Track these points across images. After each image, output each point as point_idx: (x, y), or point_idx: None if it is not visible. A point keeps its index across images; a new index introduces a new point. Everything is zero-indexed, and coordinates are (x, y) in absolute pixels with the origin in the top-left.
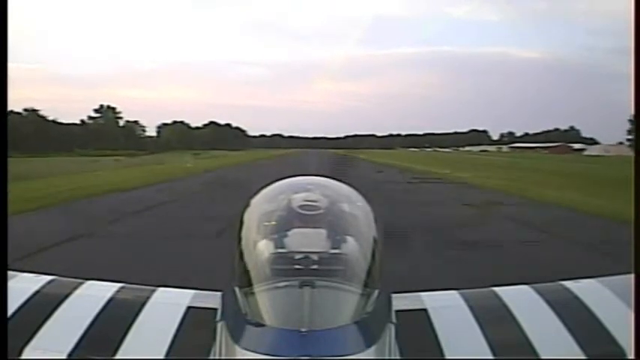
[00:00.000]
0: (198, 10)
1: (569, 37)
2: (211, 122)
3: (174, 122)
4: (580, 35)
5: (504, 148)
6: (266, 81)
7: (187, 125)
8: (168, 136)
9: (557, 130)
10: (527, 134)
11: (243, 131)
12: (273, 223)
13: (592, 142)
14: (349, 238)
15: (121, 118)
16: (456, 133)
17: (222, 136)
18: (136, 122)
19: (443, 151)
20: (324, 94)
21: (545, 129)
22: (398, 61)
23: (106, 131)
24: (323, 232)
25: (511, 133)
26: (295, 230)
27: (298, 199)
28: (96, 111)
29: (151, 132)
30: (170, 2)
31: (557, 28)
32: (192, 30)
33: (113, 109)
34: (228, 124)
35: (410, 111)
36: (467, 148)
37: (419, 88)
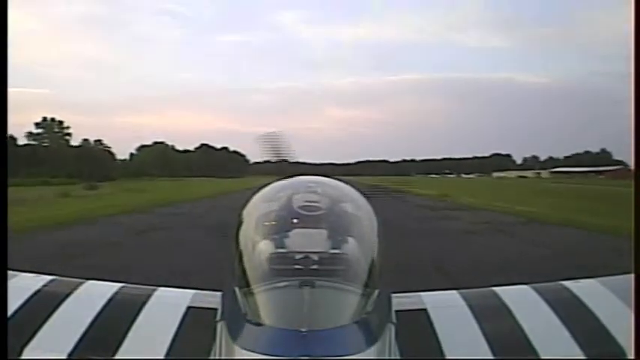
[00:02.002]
0: (203, 37)
1: (579, 62)
2: (203, 145)
3: (155, 143)
4: (589, 60)
5: (543, 173)
6: (272, 107)
7: (172, 147)
8: (144, 160)
9: (587, 152)
10: (551, 158)
11: (242, 156)
12: (274, 222)
13: (623, 164)
14: (350, 239)
15: (70, 134)
16: (476, 157)
17: (215, 161)
18: (99, 142)
19: (468, 178)
20: (331, 120)
21: (574, 152)
22: (406, 87)
23: (48, 152)
24: (323, 232)
25: (535, 157)
26: (295, 230)
27: (299, 198)
28: (37, 125)
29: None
30: (174, 29)
31: (565, 53)
32: (198, 58)
33: (60, 122)
34: (224, 148)
35: (422, 136)
36: (501, 174)
37: (430, 114)
